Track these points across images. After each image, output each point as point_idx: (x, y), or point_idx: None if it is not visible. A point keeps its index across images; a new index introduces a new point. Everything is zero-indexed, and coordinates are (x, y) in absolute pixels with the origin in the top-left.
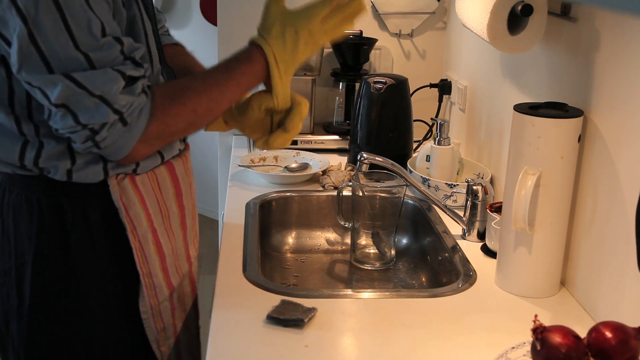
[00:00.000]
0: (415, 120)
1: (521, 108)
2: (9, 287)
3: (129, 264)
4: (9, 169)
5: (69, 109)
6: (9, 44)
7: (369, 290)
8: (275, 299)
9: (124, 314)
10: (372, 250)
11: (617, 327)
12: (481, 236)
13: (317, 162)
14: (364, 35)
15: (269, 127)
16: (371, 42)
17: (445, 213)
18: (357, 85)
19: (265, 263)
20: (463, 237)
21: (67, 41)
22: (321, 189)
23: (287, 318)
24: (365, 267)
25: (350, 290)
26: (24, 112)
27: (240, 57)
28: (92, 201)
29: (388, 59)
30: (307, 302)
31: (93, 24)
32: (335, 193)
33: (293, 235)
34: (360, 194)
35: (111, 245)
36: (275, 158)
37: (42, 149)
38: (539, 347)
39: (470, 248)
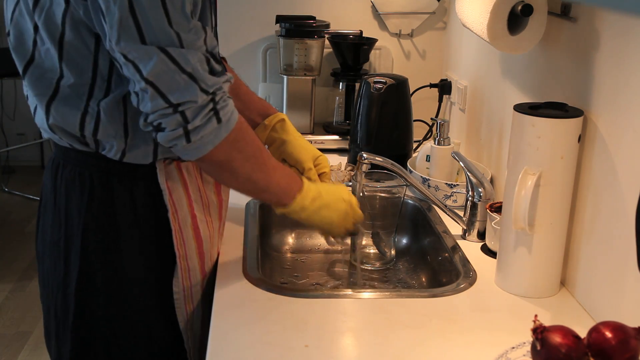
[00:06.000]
0: (415, 120)
1: (521, 108)
2: (57, 258)
3: (168, 245)
4: (68, 142)
5: (157, 88)
6: (104, 16)
7: (369, 290)
8: (275, 299)
9: (158, 293)
10: (372, 250)
11: (617, 327)
12: (481, 236)
13: None
14: (364, 35)
15: None
16: (371, 42)
17: (445, 213)
18: (357, 85)
19: (265, 263)
20: (463, 237)
21: (163, 17)
22: None
23: None
24: (365, 267)
25: (350, 290)
26: (104, 85)
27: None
28: (139, 182)
29: (388, 59)
30: (307, 302)
31: (186, 4)
32: None
33: (293, 235)
34: (361, 194)
35: (154, 226)
36: None
37: (99, 122)
38: (539, 347)
39: (470, 248)
